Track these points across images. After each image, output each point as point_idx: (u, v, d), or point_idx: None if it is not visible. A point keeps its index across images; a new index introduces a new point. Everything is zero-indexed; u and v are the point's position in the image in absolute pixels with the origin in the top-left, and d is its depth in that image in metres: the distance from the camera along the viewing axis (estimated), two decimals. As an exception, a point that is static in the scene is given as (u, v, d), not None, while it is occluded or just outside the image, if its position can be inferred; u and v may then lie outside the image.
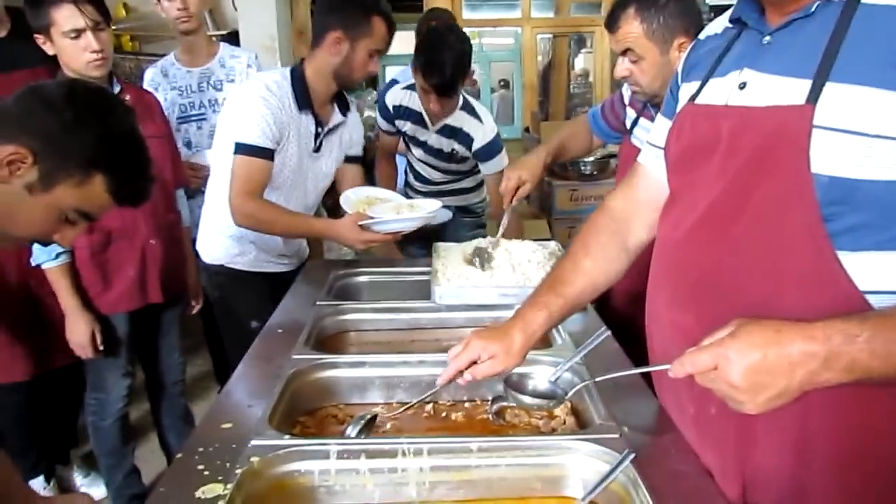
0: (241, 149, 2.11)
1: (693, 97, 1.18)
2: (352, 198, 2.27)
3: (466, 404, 1.54)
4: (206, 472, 1.10)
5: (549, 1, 6.07)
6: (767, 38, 1.04)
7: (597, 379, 1.27)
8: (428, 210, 2.19)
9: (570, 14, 5.54)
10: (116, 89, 2.24)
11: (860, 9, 0.93)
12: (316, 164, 2.35)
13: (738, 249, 1.02)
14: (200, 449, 1.17)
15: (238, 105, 2.17)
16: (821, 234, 0.93)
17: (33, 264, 2.18)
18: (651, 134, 1.40)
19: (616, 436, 1.22)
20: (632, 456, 1.14)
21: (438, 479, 1.18)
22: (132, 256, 2.29)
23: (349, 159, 2.50)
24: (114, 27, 4.98)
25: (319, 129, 2.29)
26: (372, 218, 2.08)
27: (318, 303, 1.89)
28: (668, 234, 1.20)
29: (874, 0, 0.92)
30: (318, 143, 2.30)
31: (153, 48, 5.37)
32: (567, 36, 5.76)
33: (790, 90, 0.96)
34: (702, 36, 1.28)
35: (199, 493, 1.04)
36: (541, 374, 1.32)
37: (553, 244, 2.26)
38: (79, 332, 2.22)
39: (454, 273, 1.94)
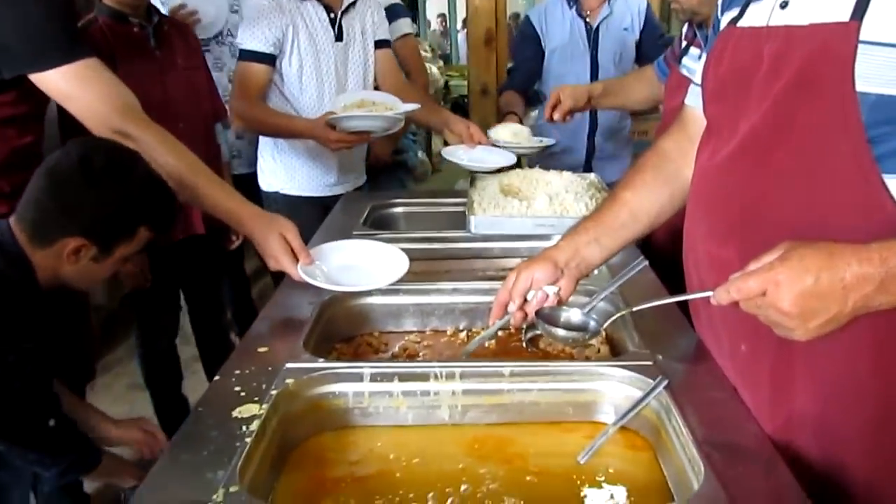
0: (240, 55, 2.26)
1: (734, 21, 1.12)
2: (344, 100, 2.28)
3: (500, 332, 1.54)
4: (242, 394, 1.13)
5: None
6: None
7: (634, 308, 1.25)
8: (398, 110, 2.20)
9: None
10: (154, 20, 2.22)
11: None
12: (345, 54, 2.34)
13: (780, 177, 0.98)
14: (237, 372, 1.20)
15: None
16: (867, 158, 0.88)
17: None
18: (697, 74, 1.35)
19: (650, 363, 1.21)
20: (665, 382, 1.13)
21: (471, 403, 1.19)
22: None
23: (377, 44, 2.47)
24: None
25: (333, 15, 2.26)
26: (337, 115, 2.11)
27: (354, 232, 1.89)
28: (706, 164, 1.15)
29: None
30: (336, 30, 2.26)
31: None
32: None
33: (834, 5, 0.91)
34: None
35: (235, 413, 1.07)
36: (574, 306, 1.29)
37: (592, 175, 2.23)
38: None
39: (490, 203, 1.92)
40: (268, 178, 2.55)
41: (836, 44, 0.89)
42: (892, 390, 0.95)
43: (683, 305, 1.43)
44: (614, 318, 1.26)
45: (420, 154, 6.84)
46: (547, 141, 2.46)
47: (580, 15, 2.74)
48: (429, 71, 6.88)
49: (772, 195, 0.99)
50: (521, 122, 2.58)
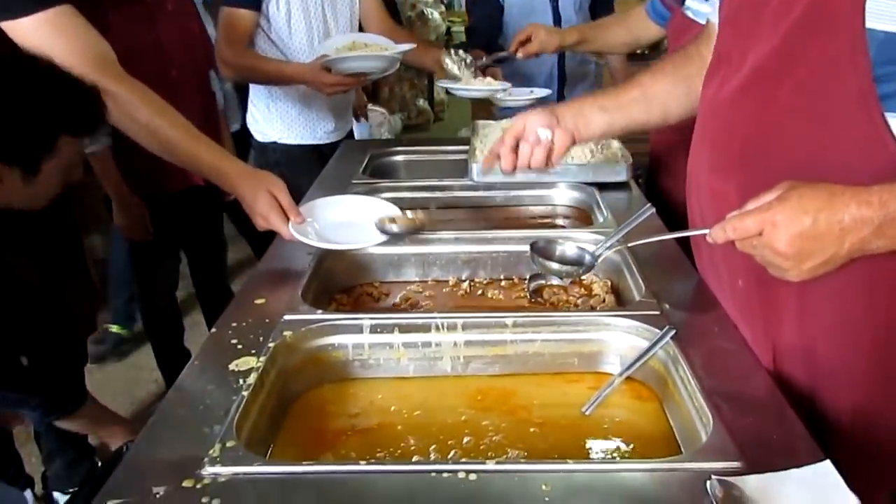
0: (225, 1, 2.22)
1: None
2: (335, 43, 2.23)
3: (503, 282, 1.51)
4: (239, 346, 1.10)
5: None
6: None
7: (631, 244, 1.22)
8: (395, 50, 2.15)
9: None
10: None
11: None
12: None
13: (785, 112, 0.96)
14: (234, 324, 1.17)
15: None
16: (872, 96, 0.86)
17: None
18: (703, 16, 1.31)
19: (656, 312, 1.18)
20: (672, 332, 1.10)
21: (473, 354, 1.17)
22: None
23: None
24: None
25: None
26: (332, 57, 2.07)
27: (353, 181, 1.85)
28: (712, 96, 1.12)
29: None
30: None
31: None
32: None
33: None
34: None
35: (232, 366, 1.05)
36: (569, 243, 1.27)
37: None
38: (128, 217, 2.25)
39: (493, 150, 1.87)
40: (262, 127, 2.49)
41: None
42: (882, 327, 0.96)
43: (689, 251, 1.41)
44: (608, 248, 1.24)
45: (421, 102, 6.76)
46: (539, 92, 2.41)
47: None
48: (430, 16, 6.74)
49: (775, 130, 0.98)
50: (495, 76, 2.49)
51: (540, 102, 2.37)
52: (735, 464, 0.83)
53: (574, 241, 1.28)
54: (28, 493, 2.02)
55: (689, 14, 1.91)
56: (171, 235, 2.45)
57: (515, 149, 1.28)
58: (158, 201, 2.31)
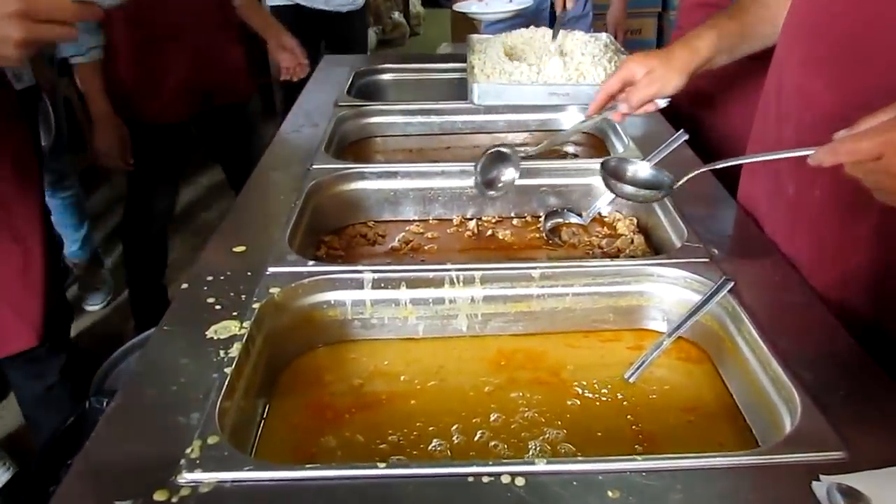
0: None
1: None
2: None
3: (515, 221, 1.33)
4: (217, 307, 0.91)
5: None
6: None
7: (715, 165, 1.00)
8: None
9: None
10: None
11: None
12: None
13: (888, 5, 0.87)
14: (209, 278, 0.98)
15: None
16: None
17: (60, 57, 1.99)
18: None
19: (706, 259, 1.01)
20: (730, 284, 0.94)
21: (493, 311, 1.00)
22: (182, 59, 2.07)
23: None
24: None
25: None
26: None
27: (338, 103, 1.63)
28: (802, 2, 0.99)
29: None
30: None
31: None
32: None
33: None
34: None
35: (210, 333, 0.86)
36: (642, 163, 1.10)
37: (604, 35, 1.94)
38: (107, 140, 2.04)
39: (494, 69, 1.65)
40: None
41: None
42: None
43: (730, 185, 1.24)
44: (690, 175, 1.03)
45: (397, 15, 6.39)
46: (518, 2, 2.19)
47: None
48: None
49: (876, 24, 0.89)
50: None
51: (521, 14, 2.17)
52: (838, 454, 0.68)
53: (646, 162, 1.10)
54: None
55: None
56: (172, 164, 2.31)
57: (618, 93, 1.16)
58: (148, 130, 2.12)
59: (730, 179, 1.26)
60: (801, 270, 1.01)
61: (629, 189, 1.06)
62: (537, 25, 2.03)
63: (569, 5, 1.95)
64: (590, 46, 1.75)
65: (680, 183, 1.03)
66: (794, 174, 1.04)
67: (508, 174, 1.23)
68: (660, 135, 1.41)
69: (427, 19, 6.80)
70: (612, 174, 1.07)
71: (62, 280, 2.15)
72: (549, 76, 1.62)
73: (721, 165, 1.00)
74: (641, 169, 1.09)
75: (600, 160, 1.32)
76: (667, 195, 1.07)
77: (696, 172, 1.02)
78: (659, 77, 1.12)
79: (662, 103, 1.17)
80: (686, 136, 1.24)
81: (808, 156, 0.79)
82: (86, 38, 1.92)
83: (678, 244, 1.08)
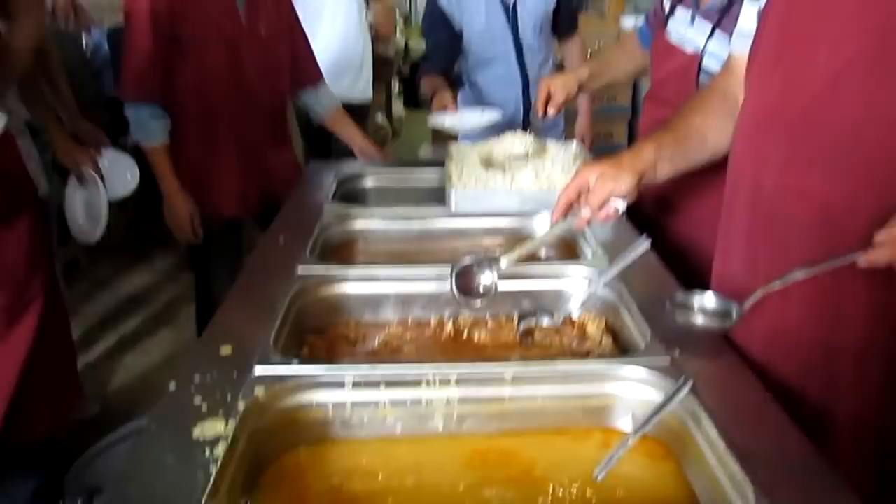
0: None
1: None
2: None
3: (490, 322, 1.40)
4: (203, 408, 0.96)
5: None
6: None
7: (781, 282, 1.02)
8: None
9: None
10: None
11: None
12: None
13: (878, 109, 0.95)
14: (197, 377, 1.03)
15: None
16: None
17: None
18: (742, 20, 1.28)
19: (667, 360, 1.07)
20: (689, 384, 1.00)
21: (468, 411, 1.05)
22: (237, 159, 2.25)
23: None
24: None
25: None
26: None
27: (324, 208, 1.71)
28: (779, 96, 1.08)
29: None
30: None
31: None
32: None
33: None
34: None
35: (196, 433, 0.90)
36: (709, 294, 1.15)
37: (574, 144, 2.07)
38: (177, 216, 2.18)
39: (471, 177, 1.76)
40: None
41: None
42: None
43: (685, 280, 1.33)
44: (754, 297, 1.06)
45: (380, 117, 6.63)
46: (489, 114, 2.30)
47: None
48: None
49: (876, 120, 0.96)
50: (454, 104, 2.38)
51: (496, 125, 2.29)
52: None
53: (712, 293, 1.15)
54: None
55: (673, 40, 1.83)
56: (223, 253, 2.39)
57: (576, 199, 1.25)
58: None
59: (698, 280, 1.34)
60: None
61: (700, 320, 1.12)
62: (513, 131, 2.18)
63: (550, 112, 2.06)
64: (560, 155, 1.87)
65: (746, 305, 1.07)
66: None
67: (486, 281, 1.29)
68: (627, 240, 1.50)
69: (408, 120, 7.06)
70: (682, 305, 1.14)
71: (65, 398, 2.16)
72: (522, 184, 1.73)
73: (777, 287, 1.04)
74: (707, 300, 1.14)
75: (578, 265, 1.43)
76: (737, 322, 1.10)
77: (758, 295, 1.06)
78: (611, 177, 1.20)
79: (621, 206, 1.23)
80: (648, 242, 1.33)
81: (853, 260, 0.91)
82: (153, 125, 2.10)
83: (642, 345, 1.15)
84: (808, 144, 1.04)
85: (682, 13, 1.78)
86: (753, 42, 1.17)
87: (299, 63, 2.36)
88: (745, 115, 1.19)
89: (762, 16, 1.17)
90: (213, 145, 2.19)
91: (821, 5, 1.01)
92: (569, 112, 2.87)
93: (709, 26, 1.64)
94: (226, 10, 2.09)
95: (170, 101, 2.12)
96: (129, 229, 4.18)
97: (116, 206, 4.07)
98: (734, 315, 1.09)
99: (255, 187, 2.28)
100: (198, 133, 2.17)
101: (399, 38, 6.87)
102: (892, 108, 0.95)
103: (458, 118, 2.24)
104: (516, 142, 1.94)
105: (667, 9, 1.88)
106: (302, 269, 1.37)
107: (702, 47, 1.66)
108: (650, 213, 1.92)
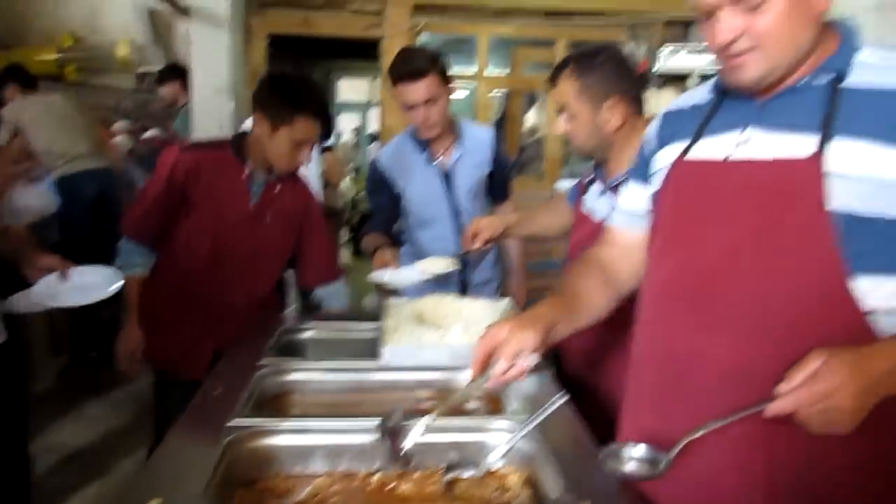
0: None
1: (683, 154, 1.27)
2: None
3: (415, 474, 1.45)
4: (127, 560, 0.99)
5: (505, 58, 6.13)
6: (764, 103, 1.17)
7: (698, 433, 1.11)
8: None
9: (524, 73, 5.60)
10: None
11: (844, 91, 1.10)
12: None
13: (770, 278, 1.11)
14: (123, 531, 1.06)
15: None
16: (836, 262, 1.05)
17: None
18: (623, 199, 1.47)
19: (578, 513, 1.15)
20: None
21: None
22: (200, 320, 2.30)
23: None
24: (59, 55, 4.92)
25: None
26: None
27: (260, 361, 1.78)
28: (677, 270, 1.24)
29: (855, 83, 1.10)
30: None
31: (98, 79, 5.27)
32: (520, 93, 5.81)
33: (798, 144, 1.10)
34: (672, 107, 1.40)
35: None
36: (640, 445, 1.21)
37: (506, 301, 2.21)
38: (125, 347, 2.23)
39: (405, 332, 1.87)
40: None
41: (808, 172, 1.07)
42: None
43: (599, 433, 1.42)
44: (684, 442, 1.13)
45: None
46: (433, 270, 2.42)
47: (432, 160, 2.67)
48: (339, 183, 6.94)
49: (762, 291, 1.12)
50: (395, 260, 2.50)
51: (437, 278, 2.43)
52: None
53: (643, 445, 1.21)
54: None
55: (585, 209, 2.03)
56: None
57: (488, 358, 1.33)
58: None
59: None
60: None
61: (631, 468, 1.19)
62: (447, 289, 2.33)
63: (475, 245, 2.28)
64: (489, 312, 2.01)
65: (671, 455, 1.15)
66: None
67: (413, 434, 1.36)
68: (549, 394, 1.59)
69: (355, 269, 7.22)
70: (611, 458, 1.20)
71: None
72: (452, 339, 1.84)
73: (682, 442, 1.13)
74: (635, 451, 1.20)
75: (501, 418, 1.51)
76: (665, 471, 1.16)
77: (681, 444, 1.14)
78: (517, 334, 1.30)
79: (532, 361, 1.32)
80: (566, 397, 1.43)
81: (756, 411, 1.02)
82: (136, 259, 2.23)
83: (557, 497, 1.22)
84: (712, 312, 1.17)
85: (596, 186, 2.01)
86: (653, 218, 1.34)
87: (312, 260, 2.50)
88: (652, 283, 1.33)
89: (657, 195, 1.33)
90: (182, 304, 2.28)
91: (710, 190, 1.19)
92: (504, 267, 3.06)
93: (613, 199, 1.85)
94: (236, 191, 2.26)
95: (162, 249, 2.28)
96: (61, 376, 4.12)
97: (50, 352, 4.06)
98: (662, 465, 1.17)
99: (209, 352, 2.26)
100: (172, 285, 2.27)
101: (349, 188, 7.19)
102: (782, 279, 1.10)
103: (397, 274, 2.36)
104: (447, 300, 2.08)
105: (586, 183, 2.10)
106: (234, 422, 1.42)
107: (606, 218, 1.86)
108: (575, 367, 2.05)
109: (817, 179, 1.06)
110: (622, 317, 1.50)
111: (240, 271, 2.30)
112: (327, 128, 2.28)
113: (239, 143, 2.28)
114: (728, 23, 1.09)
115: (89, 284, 2.10)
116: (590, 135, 1.88)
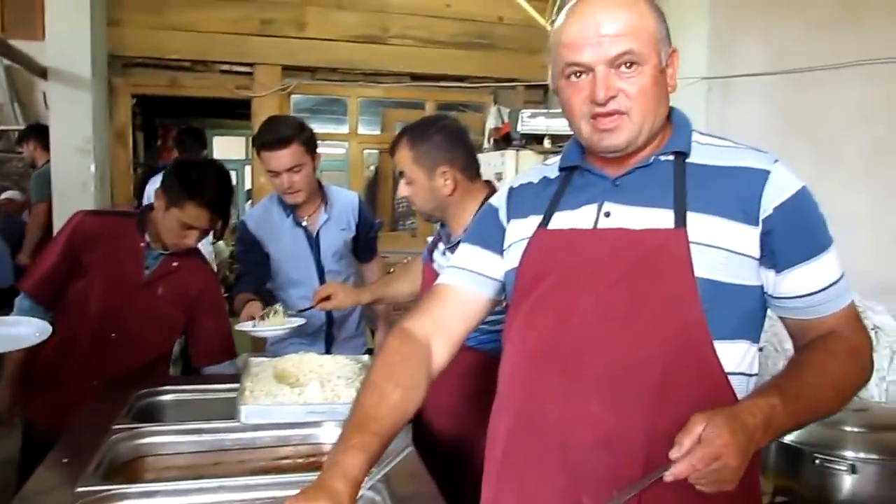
0: None
1: (542, 225, 1.30)
2: None
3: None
4: None
5: (378, 116, 6.32)
6: (616, 180, 1.24)
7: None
8: None
9: (395, 132, 5.77)
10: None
11: (688, 166, 1.22)
12: None
13: (641, 342, 1.16)
14: None
15: None
16: (703, 327, 1.14)
17: None
18: (457, 258, 1.46)
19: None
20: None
21: None
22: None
23: None
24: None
25: None
26: None
27: (113, 426, 1.78)
28: (547, 337, 1.25)
29: (696, 161, 1.22)
30: None
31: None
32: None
33: (657, 217, 1.18)
34: (515, 184, 1.43)
35: None
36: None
37: (365, 357, 2.30)
38: (5, 400, 2.24)
39: (262, 391, 1.91)
40: None
41: (674, 241, 1.15)
42: None
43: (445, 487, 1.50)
44: None
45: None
46: (297, 321, 2.51)
47: (298, 223, 2.74)
48: (215, 242, 6.82)
49: (632, 355, 1.17)
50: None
51: (296, 329, 2.50)
52: None
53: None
54: None
55: (434, 267, 2.17)
56: None
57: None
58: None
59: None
60: None
61: None
62: (314, 342, 2.45)
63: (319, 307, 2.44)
64: (346, 369, 2.09)
65: None
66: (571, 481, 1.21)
67: None
68: (400, 445, 1.68)
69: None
70: None
71: None
72: (309, 397, 1.91)
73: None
74: None
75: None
76: None
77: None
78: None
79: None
80: (411, 448, 1.52)
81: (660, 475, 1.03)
82: (30, 313, 2.17)
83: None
84: (582, 378, 1.20)
85: (441, 245, 2.16)
86: (516, 288, 1.32)
87: (203, 341, 2.50)
88: (517, 352, 1.32)
89: (519, 266, 1.31)
90: (64, 364, 2.26)
91: (580, 257, 1.22)
92: (370, 321, 3.16)
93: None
94: (131, 259, 2.29)
95: (57, 309, 2.28)
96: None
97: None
98: None
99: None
100: (59, 346, 2.22)
101: (224, 246, 7.08)
102: (655, 343, 1.15)
103: (262, 325, 2.42)
104: (309, 357, 2.15)
105: (434, 242, 2.26)
106: (82, 489, 1.42)
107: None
108: (425, 416, 2.14)
109: (685, 248, 1.14)
110: (484, 373, 1.58)
111: (125, 340, 2.30)
112: (223, 218, 2.32)
113: (143, 216, 2.34)
114: (608, 80, 1.16)
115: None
116: (427, 198, 2.07)
